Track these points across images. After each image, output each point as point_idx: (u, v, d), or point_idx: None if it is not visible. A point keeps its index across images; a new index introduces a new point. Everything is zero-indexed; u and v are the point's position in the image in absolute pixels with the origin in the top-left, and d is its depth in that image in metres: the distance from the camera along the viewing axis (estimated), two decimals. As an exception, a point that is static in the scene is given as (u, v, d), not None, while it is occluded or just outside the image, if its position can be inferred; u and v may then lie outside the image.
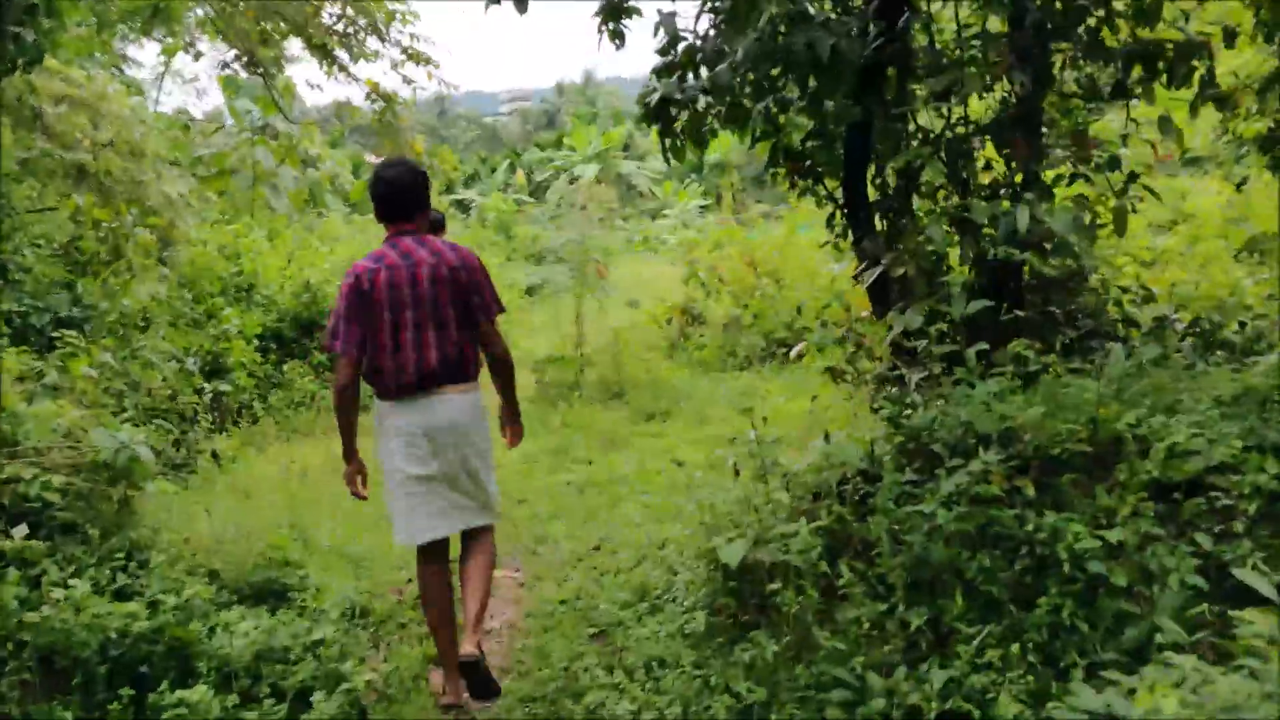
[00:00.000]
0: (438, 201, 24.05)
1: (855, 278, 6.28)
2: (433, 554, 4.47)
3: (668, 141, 6.55)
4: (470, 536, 4.52)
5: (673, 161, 6.87)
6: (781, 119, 6.97)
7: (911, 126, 6.31)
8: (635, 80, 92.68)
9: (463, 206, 31.23)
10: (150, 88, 21.37)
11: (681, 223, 33.00)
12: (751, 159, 51.83)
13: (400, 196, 4.37)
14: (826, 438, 5.00)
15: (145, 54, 61.62)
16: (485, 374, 4.53)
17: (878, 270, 5.89)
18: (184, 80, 21.48)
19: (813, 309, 11.24)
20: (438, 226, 6.22)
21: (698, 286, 12.94)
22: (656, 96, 6.19)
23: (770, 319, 11.38)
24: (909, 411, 4.78)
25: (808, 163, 6.69)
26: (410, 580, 5.42)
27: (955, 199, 6.33)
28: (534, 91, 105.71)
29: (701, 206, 38.61)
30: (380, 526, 7.09)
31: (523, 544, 6.49)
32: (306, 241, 15.22)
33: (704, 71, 6.28)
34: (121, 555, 4.38)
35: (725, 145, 48.79)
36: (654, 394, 10.50)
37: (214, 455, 7.43)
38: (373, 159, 54.70)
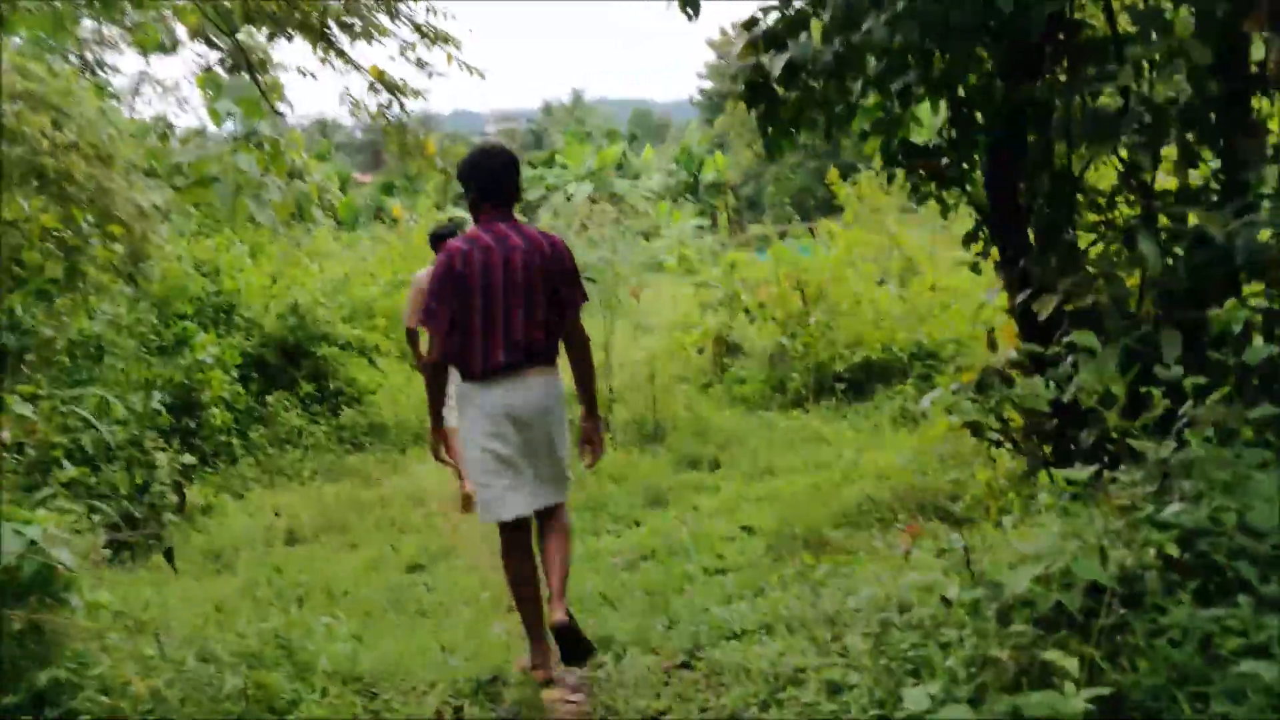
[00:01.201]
0: (436, 216, 22.64)
1: (1017, 306, 4.86)
2: (518, 532, 4.54)
3: (770, 130, 5.17)
4: (546, 514, 4.58)
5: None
6: (898, 108, 5.61)
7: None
8: (623, 101, 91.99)
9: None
10: (128, 94, 19.95)
11: (679, 243, 31.76)
12: (749, 178, 50.82)
13: (499, 179, 4.49)
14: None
15: (125, 61, 59.99)
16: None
17: (1055, 300, 4.48)
18: (164, 90, 19.96)
19: (874, 339, 9.86)
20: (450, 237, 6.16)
21: (735, 312, 11.53)
22: (775, 65, 4.78)
23: (822, 350, 9.97)
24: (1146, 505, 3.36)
25: (944, 161, 5.28)
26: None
27: (1131, 208, 4.98)
28: (519, 112, 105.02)
29: (699, 227, 37.39)
30: (390, 617, 5.66)
31: (576, 645, 5.03)
32: (294, 258, 13.76)
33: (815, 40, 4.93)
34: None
35: (721, 164, 47.83)
36: (697, 436, 9.07)
37: (168, 556, 5.95)
38: (362, 177, 53.59)
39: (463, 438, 4.56)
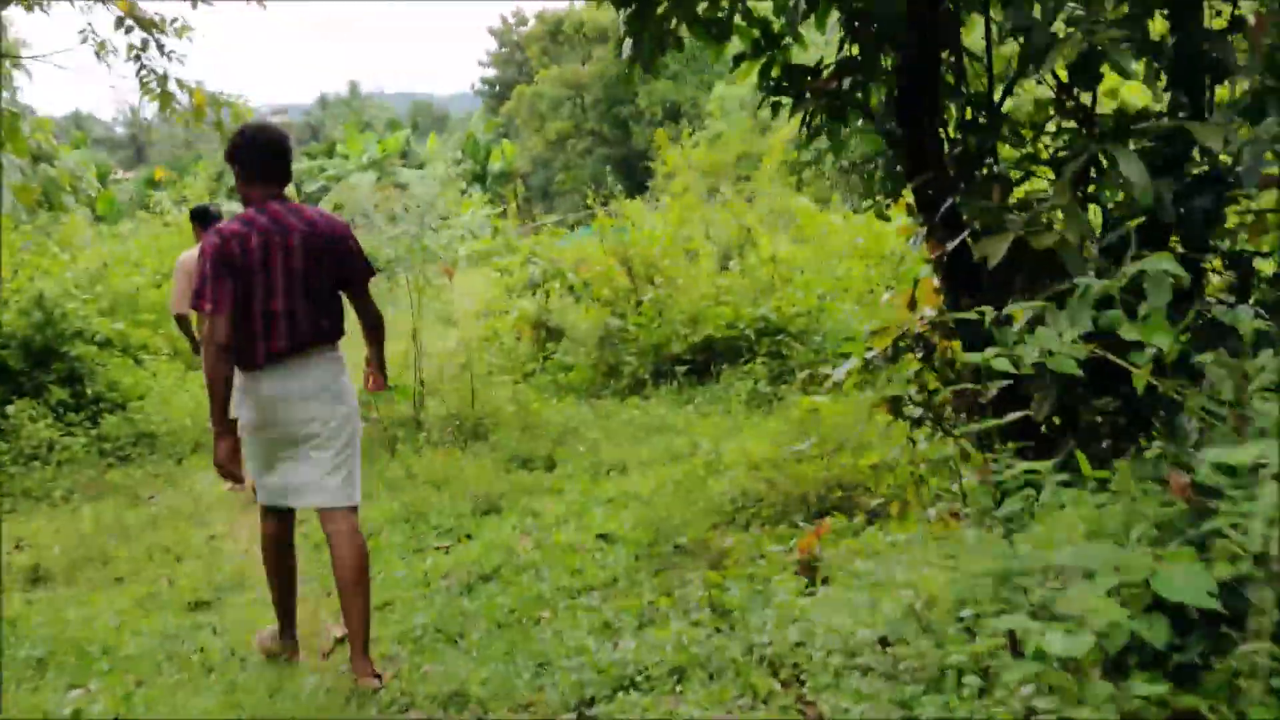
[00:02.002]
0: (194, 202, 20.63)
1: (944, 255, 4.00)
2: (282, 526, 4.52)
3: (643, 35, 4.16)
4: (332, 521, 4.37)
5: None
6: (776, 25, 4.72)
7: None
8: (401, 95, 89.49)
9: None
10: None
11: (470, 233, 30.49)
12: (538, 166, 49.84)
13: (272, 158, 4.32)
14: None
15: None
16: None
17: (1007, 240, 3.61)
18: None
19: (714, 317, 8.99)
20: (215, 219, 6.39)
21: (553, 294, 10.48)
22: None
23: (657, 331, 9.02)
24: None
25: (841, 83, 4.37)
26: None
27: (1057, 139, 4.22)
28: (292, 106, 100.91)
29: (489, 216, 36.18)
30: (165, 676, 4.41)
31: (416, 703, 3.89)
32: (42, 247, 11.94)
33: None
34: None
35: (510, 153, 46.67)
36: (525, 431, 7.98)
37: None
38: (124, 174, 49.93)
39: (242, 425, 4.32)
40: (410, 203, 9.25)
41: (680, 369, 8.76)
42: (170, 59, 6.52)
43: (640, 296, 9.51)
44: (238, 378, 4.24)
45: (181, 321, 7.66)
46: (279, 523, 4.52)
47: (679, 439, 7.32)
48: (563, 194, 47.54)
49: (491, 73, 73.26)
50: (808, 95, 4.53)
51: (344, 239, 4.34)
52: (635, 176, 44.46)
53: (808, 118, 4.57)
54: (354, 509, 4.45)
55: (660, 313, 9.09)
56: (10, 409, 8.83)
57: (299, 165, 45.57)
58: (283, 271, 4.16)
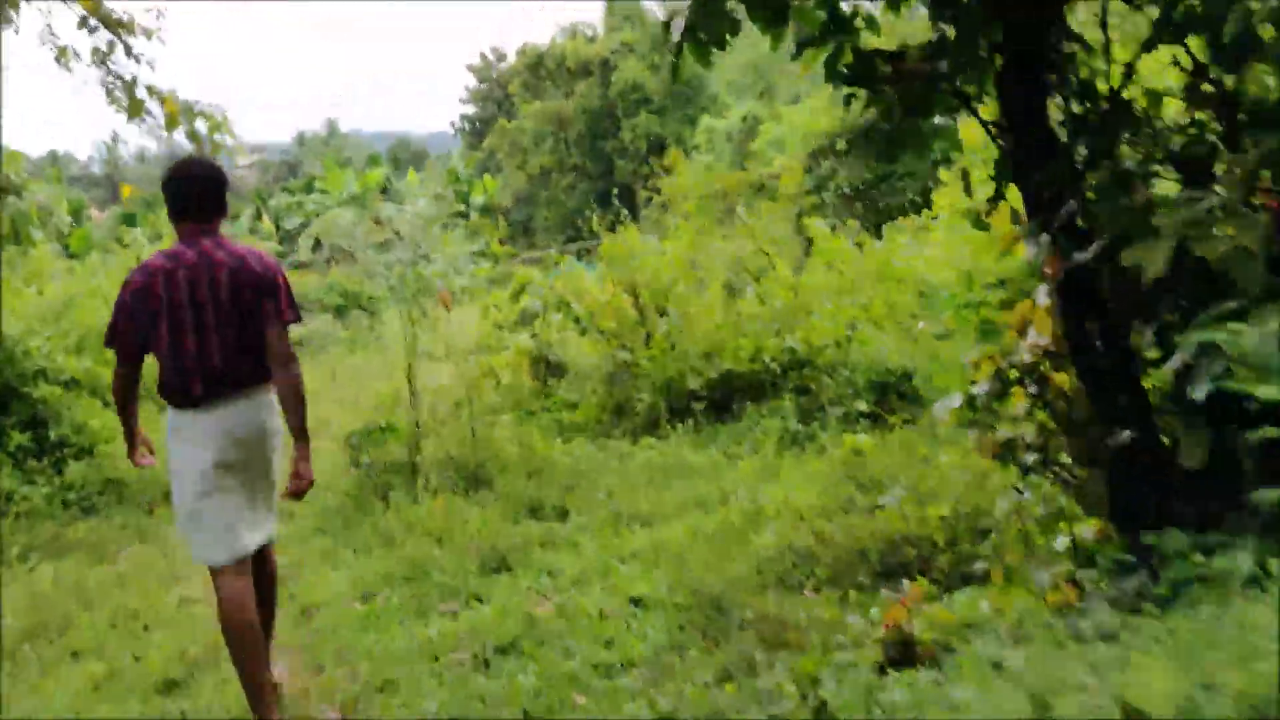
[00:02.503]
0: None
1: (1066, 268, 3.31)
2: (241, 577, 4.15)
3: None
4: (258, 554, 4.31)
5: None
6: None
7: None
8: (379, 134, 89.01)
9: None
10: None
11: (453, 269, 29.78)
12: (520, 203, 49.26)
13: (202, 193, 4.19)
14: None
15: None
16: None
17: (1167, 248, 2.94)
18: None
19: (734, 349, 8.30)
20: None
21: (552, 327, 9.77)
22: None
23: (671, 365, 8.31)
24: None
25: (930, 67, 3.70)
26: None
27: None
28: (270, 144, 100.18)
29: (474, 252, 35.40)
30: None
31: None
32: (5, 281, 11.17)
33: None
34: None
35: (492, 188, 46.10)
36: (532, 477, 7.25)
37: None
38: (98, 214, 49.22)
39: (173, 471, 4.18)
40: (404, 227, 8.57)
41: (698, 406, 8.04)
42: (139, 62, 5.84)
43: (650, 328, 8.81)
44: (170, 418, 4.18)
45: None
46: (238, 576, 4.15)
47: (705, 484, 6.60)
48: (546, 229, 46.96)
49: (471, 109, 72.99)
50: (888, 87, 3.87)
51: (273, 274, 4.17)
52: (617, 210, 43.90)
53: (887, 112, 3.91)
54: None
55: (673, 345, 8.39)
56: (-35, 458, 8.08)
57: (279, 200, 44.87)
58: (212, 308, 4.06)
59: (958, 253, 8.96)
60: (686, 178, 10.52)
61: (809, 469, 6.47)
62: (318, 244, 34.32)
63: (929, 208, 10.13)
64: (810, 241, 10.77)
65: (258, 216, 41.10)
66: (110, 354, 4.25)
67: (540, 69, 49.92)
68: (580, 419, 8.62)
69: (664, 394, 8.26)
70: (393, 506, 6.96)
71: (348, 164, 52.68)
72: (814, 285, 8.75)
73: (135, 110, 5.90)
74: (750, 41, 48.66)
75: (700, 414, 8.01)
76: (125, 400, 4.23)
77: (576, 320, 8.70)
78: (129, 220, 35.92)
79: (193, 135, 6.18)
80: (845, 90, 3.94)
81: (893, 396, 7.54)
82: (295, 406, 4.18)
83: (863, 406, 7.37)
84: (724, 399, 8.10)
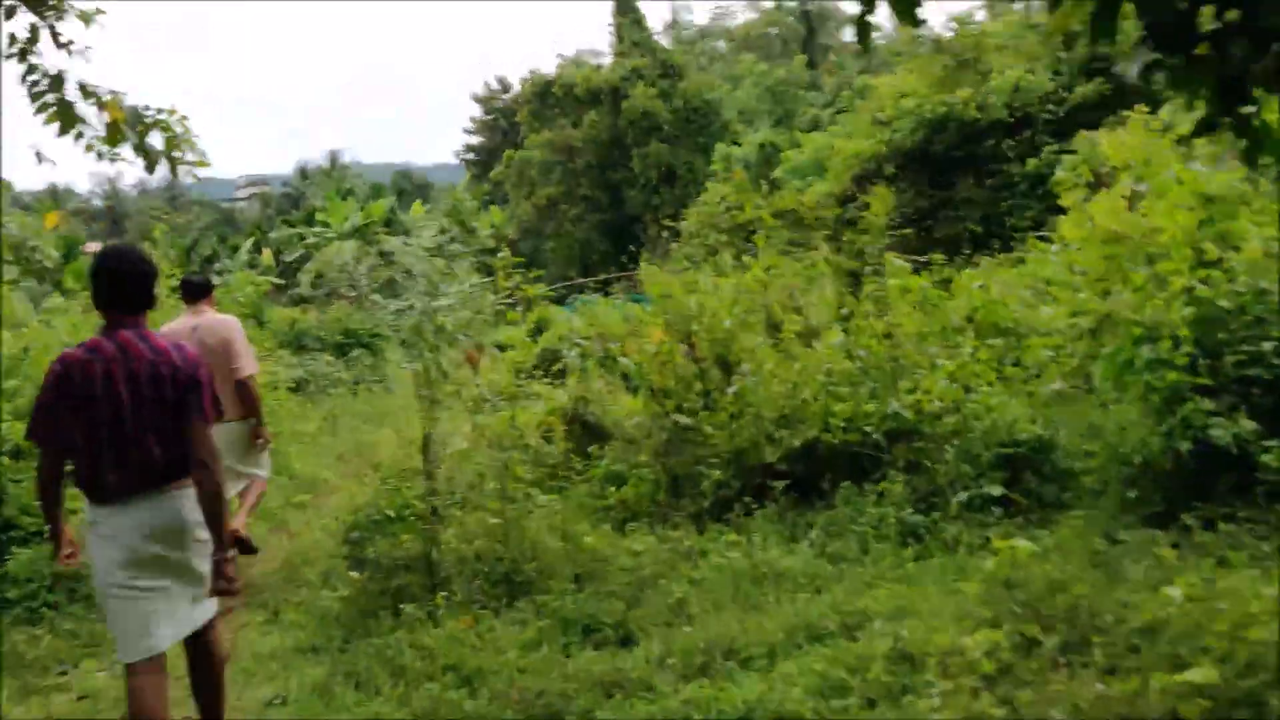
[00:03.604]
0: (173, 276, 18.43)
1: None
2: (154, 674, 4.12)
3: None
4: (194, 639, 4.32)
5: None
6: None
7: None
8: (381, 165, 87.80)
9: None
10: None
11: (463, 305, 28.37)
12: (527, 234, 47.87)
13: (129, 286, 4.11)
14: None
15: None
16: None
17: None
18: None
19: (820, 413, 6.80)
20: (204, 290, 7.19)
21: (588, 379, 8.27)
22: None
23: (742, 432, 6.80)
24: None
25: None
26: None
27: None
28: (271, 176, 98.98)
29: (479, 285, 34.05)
30: None
31: None
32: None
33: None
34: None
35: (499, 219, 44.69)
36: (582, 583, 5.73)
37: None
38: (94, 245, 48.16)
39: (94, 568, 4.14)
40: (416, 264, 7.11)
41: (777, 485, 6.49)
42: (70, 53, 4.38)
43: (710, 384, 7.30)
44: (88, 512, 4.14)
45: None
46: (148, 674, 4.11)
47: (812, 602, 5.06)
48: (554, 261, 45.52)
49: (476, 140, 71.92)
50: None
51: (194, 368, 4.11)
52: (627, 242, 42.42)
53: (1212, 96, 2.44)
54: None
55: (745, 408, 6.87)
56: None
57: (279, 233, 43.57)
58: (130, 402, 4.00)
59: (1075, 293, 7.49)
60: (752, 204, 8.90)
61: (948, 582, 4.96)
62: (318, 278, 32.87)
63: (1039, 235, 8.63)
64: (856, 278, 9.27)
65: (257, 250, 39.75)
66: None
67: (548, 97, 48.62)
68: (630, 497, 7.08)
69: (734, 468, 6.73)
70: (405, 625, 5.45)
71: (350, 195, 51.38)
72: (907, 332, 7.24)
73: (67, 120, 4.45)
74: (766, 67, 47.45)
75: (780, 495, 6.47)
76: (48, 495, 4.19)
77: (625, 378, 7.14)
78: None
79: (142, 151, 4.75)
80: (1147, 57, 2.45)
81: (1026, 475, 6.02)
82: (211, 507, 4.10)
83: (993, 490, 5.85)
84: (810, 476, 6.55)
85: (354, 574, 5.77)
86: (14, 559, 7.17)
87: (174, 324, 7.10)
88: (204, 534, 4.16)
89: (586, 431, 8.19)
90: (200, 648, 4.33)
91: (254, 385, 7.23)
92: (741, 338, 7.43)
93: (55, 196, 74.16)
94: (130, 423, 3.96)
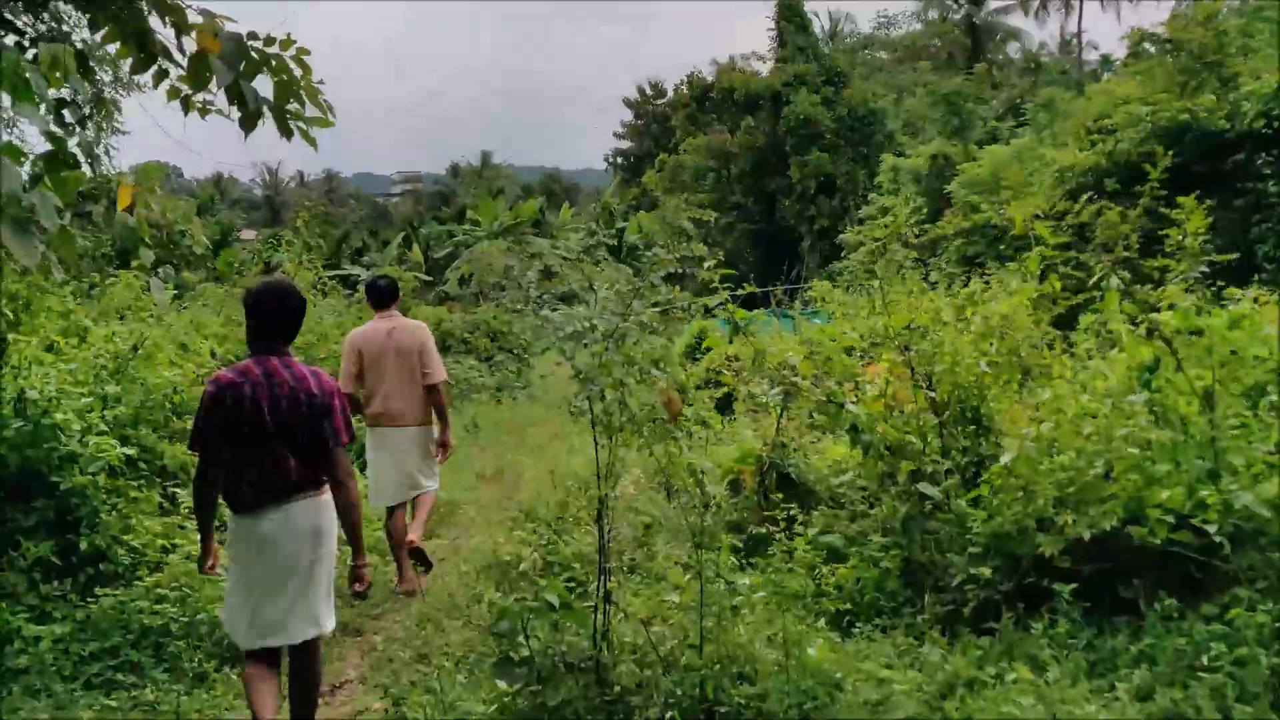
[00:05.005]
0: (319, 272, 17.45)
1: None
2: (266, 664, 4.52)
3: None
4: (298, 653, 4.62)
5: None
6: None
7: None
8: (530, 168, 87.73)
9: (346, 281, 24.36)
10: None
11: (610, 310, 27.10)
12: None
13: (281, 319, 4.57)
14: None
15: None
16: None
17: None
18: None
19: (1108, 495, 5.10)
20: (391, 294, 7.38)
21: (774, 420, 6.72)
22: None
23: (1008, 514, 5.17)
24: None
25: None
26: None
27: None
28: (425, 174, 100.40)
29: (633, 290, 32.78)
30: None
31: None
32: (72, 324, 8.66)
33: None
34: None
35: (648, 223, 43.37)
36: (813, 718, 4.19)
37: None
38: (249, 233, 48.46)
39: (233, 567, 4.60)
40: (610, 273, 5.70)
41: (1061, 589, 4.84)
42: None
43: (951, 442, 5.69)
44: (231, 520, 4.57)
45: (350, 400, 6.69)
46: (267, 663, 4.53)
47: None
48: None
49: (625, 144, 71.06)
50: None
51: (329, 395, 4.53)
52: (780, 255, 40.62)
53: None
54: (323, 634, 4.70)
55: (1005, 482, 5.23)
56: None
57: (429, 229, 43.21)
58: (272, 422, 4.39)
59: None
60: (1022, 217, 7.08)
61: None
62: (468, 276, 31.99)
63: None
64: (1074, 312, 7.47)
65: (407, 245, 39.33)
66: (183, 424, 4.30)
67: (705, 101, 47.18)
68: (847, 581, 5.51)
69: (995, 561, 5.10)
70: (568, 764, 3.99)
71: (500, 195, 50.85)
72: (1230, 391, 5.48)
73: (142, 53, 3.15)
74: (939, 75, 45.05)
75: (1067, 602, 4.81)
76: (203, 504, 4.68)
77: (855, 430, 5.53)
78: (274, 244, 34.10)
79: (239, 98, 3.46)
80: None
81: None
82: (352, 522, 4.58)
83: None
84: (1104, 579, 4.89)
85: (501, 684, 4.33)
86: (99, 603, 5.99)
87: (368, 327, 7.36)
88: (331, 540, 4.61)
89: (780, 483, 6.66)
90: (302, 659, 4.63)
91: (443, 392, 7.30)
92: (995, 387, 5.79)
93: (219, 185, 75.60)
94: (268, 444, 4.40)
